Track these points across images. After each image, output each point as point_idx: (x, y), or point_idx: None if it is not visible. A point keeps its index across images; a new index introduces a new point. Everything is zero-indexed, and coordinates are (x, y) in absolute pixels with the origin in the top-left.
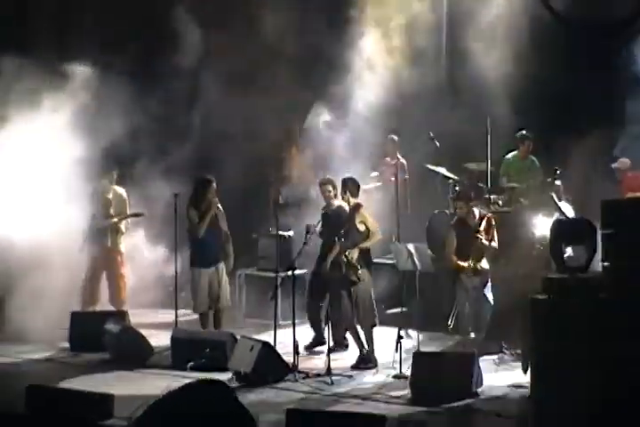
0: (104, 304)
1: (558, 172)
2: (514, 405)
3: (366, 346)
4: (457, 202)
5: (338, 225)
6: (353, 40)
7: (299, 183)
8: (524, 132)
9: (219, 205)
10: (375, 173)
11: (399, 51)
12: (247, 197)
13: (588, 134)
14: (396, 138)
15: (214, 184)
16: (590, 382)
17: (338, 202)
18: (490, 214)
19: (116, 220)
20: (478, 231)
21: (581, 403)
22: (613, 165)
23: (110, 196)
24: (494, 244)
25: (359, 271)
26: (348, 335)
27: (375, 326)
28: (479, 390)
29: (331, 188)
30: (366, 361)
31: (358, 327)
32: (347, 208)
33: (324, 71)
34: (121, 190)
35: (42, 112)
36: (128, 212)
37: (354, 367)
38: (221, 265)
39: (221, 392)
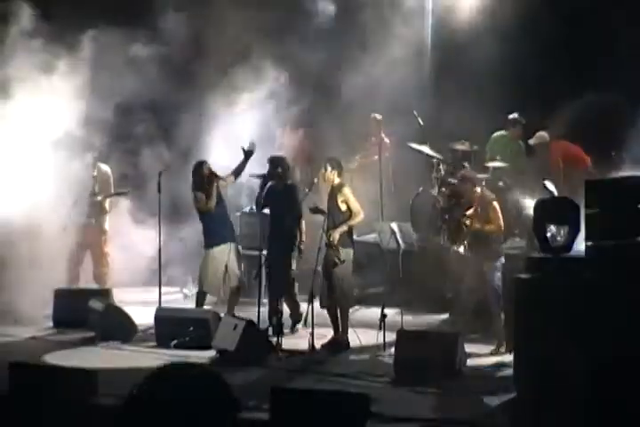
0: (88, 282)
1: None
2: (498, 384)
3: (341, 328)
4: (462, 185)
5: (289, 202)
6: None
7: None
8: (516, 115)
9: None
10: (359, 156)
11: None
12: None
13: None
14: (379, 117)
15: (207, 165)
16: (574, 362)
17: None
18: (494, 199)
19: (100, 198)
20: (465, 215)
21: (565, 382)
22: (531, 142)
23: (95, 173)
24: (490, 227)
25: (340, 252)
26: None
27: (351, 307)
28: (463, 369)
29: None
30: (339, 344)
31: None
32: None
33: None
34: (105, 168)
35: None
36: (112, 190)
37: (323, 347)
38: (229, 245)
39: (205, 376)
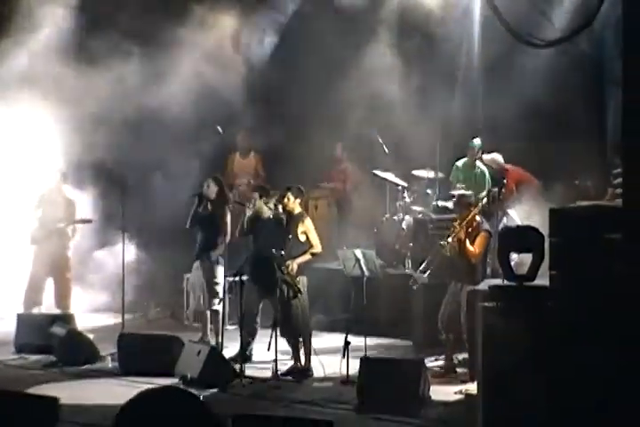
0: (49, 307)
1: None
2: (462, 412)
3: (302, 358)
4: (461, 208)
5: (277, 233)
6: None
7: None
8: (473, 140)
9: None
10: (325, 184)
11: None
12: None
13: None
14: (340, 145)
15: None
16: (538, 389)
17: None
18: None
19: (62, 225)
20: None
21: (529, 409)
22: (487, 161)
23: (59, 198)
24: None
25: (298, 282)
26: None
27: (310, 333)
28: (427, 396)
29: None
30: (302, 371)
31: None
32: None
33: None
34: (69, 192)
35: None
36: (76, 215)
37: (287, 374)
38: (200, 263)
39: (191, 401)
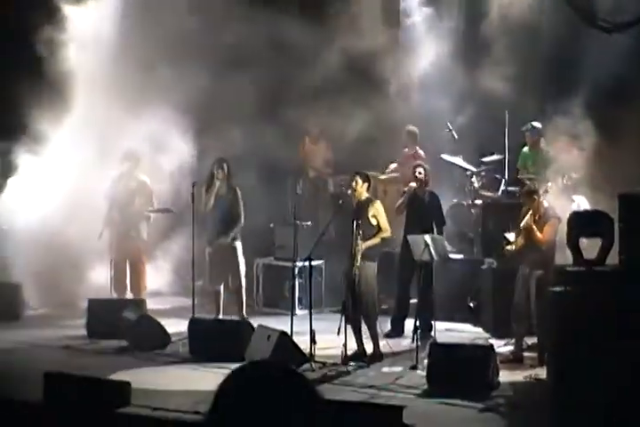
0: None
1: None
2: (531, 397)
3: (371, 343)
4: (525, 198)
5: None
6: None
7: (316, 175)
8: (529, 125)
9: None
10: (394, 165)
11: None
12: (264, 186)
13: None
14: (413, 129)
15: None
16: (608, 374)
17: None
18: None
19: (146, 213)
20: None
21: (599, 394)
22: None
23: (134, 183)
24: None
25: (357, 265)
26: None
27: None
28: (495, 381)
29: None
30: (372, 355)
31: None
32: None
33: None
34: (145, 178)
35: None
36: (154, 200)
37: (353, 359)
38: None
39: (295, 378)
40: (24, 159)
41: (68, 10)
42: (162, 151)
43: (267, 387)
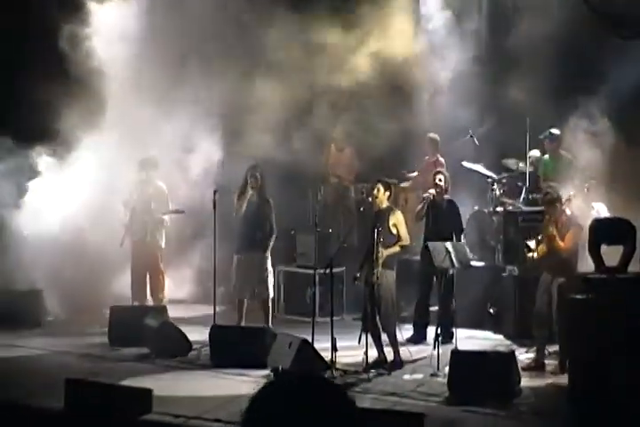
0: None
1: None
2: (552, 404)
3: (392, 350)
4: (548, 206)
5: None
6: None
7: (337, 182)
8: (547, 132)
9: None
10: (414, 173)
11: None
12: (286, 193)
13: None
14: (434, 136)
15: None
16: (629, 382)
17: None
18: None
19: (158, 216)
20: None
21: (621, 402)
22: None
23: (151, 189)
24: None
25: (377, 272)
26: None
27: (395, 326)
28: (517, 388)
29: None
30: (392, 362)
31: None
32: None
33: None
34: (161, 183)
35: None
36: (170, 205)
37: (374, 367)
38: (254, 254)
39: (333, 391)
40: (47, 162)
41: (93, 6)
42: (190, 153)
43: (303, 398)
